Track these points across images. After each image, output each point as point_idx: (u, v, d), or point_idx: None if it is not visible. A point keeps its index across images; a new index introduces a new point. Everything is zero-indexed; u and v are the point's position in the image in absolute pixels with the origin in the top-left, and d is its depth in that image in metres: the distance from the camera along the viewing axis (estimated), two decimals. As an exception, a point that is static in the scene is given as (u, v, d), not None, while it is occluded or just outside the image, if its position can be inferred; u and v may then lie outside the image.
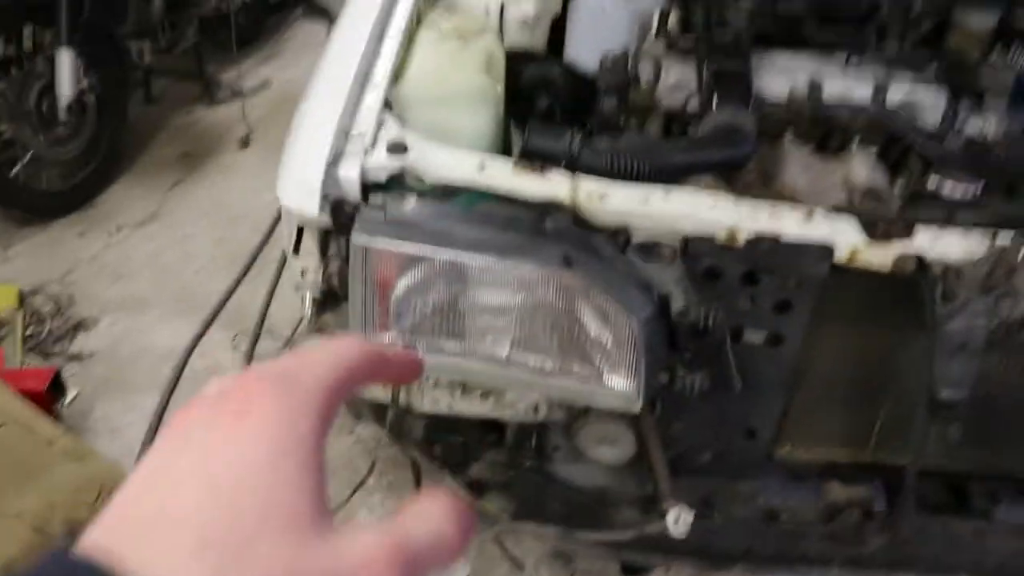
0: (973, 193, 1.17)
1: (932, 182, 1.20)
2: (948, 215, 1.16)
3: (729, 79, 1.34)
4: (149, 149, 3.86)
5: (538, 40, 1.78)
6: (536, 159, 1.20)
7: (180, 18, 3.81)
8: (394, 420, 1.35)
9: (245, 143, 3.87)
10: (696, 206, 1.13)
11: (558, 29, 1.83)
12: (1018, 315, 1.11)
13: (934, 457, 1.37)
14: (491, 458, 1.40)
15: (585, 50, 1.76)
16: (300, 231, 1.26)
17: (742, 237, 1.12)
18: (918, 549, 1.40)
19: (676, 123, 1.48)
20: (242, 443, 0.36)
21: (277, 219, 3.42)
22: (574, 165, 1.19)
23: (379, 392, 1.36)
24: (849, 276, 1.16)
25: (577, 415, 1.29)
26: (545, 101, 1.66)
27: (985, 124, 1.51)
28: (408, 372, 0.48)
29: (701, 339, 1.17)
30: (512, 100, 1.71)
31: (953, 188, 1.17)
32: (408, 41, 1.45)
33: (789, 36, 1.51)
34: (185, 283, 3.16)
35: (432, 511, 0.40)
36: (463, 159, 1.20)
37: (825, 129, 1.48)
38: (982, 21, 1.73)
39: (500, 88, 1.44)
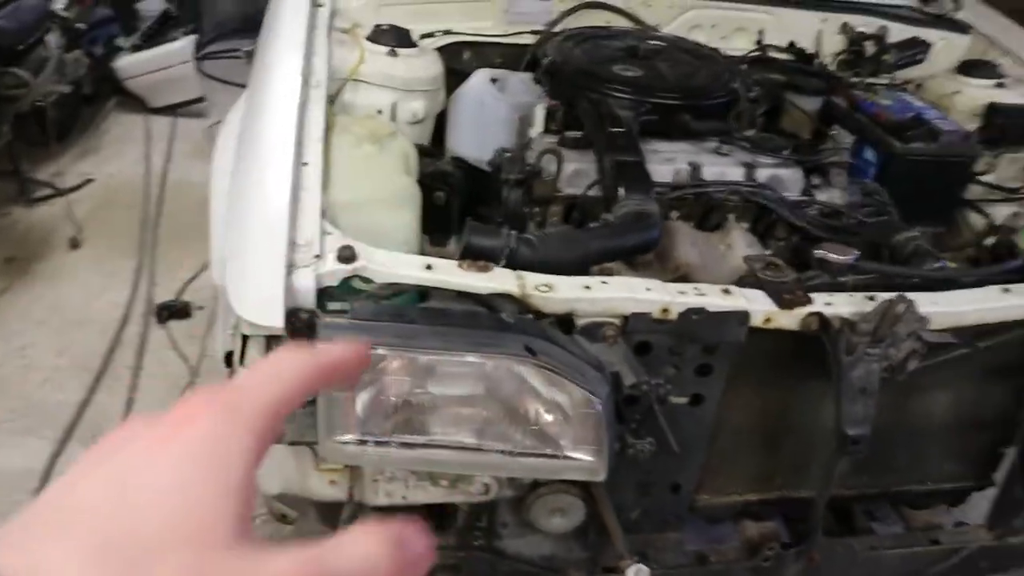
0: (853, 258, 1.37)
1: (819, 251, 1.39)
2: (835, 280, 1.36)
3: (630, 169, 1.49)
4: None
5: (426, 136, 1.89)
6: (477, 256, 1.29)
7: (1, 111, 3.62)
8: (348, 518, 1.38)
9: (75, 244, 3.70)
10: (634, 290, 1.26)
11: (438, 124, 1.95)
12: (901, 357, 1.31)
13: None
14: (440, 542, 1.45)
15: (467, 143, 1.89)
16: (245, 340, 1.28)
17: (675, 311, 1.26)
18: (827, 571, 1.57)
19: (576, 210, 1.62)
20: (165, 460, 0.36)
21: (123, 322, 3.32)
22: (512, 261, 1.30)
23: (330, 491, 1.39)
24: (756, 339, 1.33)
25: (528, 490, 1.37)
26: (441, 195, 1.76)
27: (831, 195, 1.75)
28: (355, 368, 0.46)
29: (640, 409, 1.30)
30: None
31: (837, 257, 1.37)
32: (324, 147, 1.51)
33: (666, 127, 1.70)
34: (29, 397, 2.98)
35: (362, 539, 0.38)
36: (410, 260, 1.28)
37: (705, 208, 1.67)
38: (809, 104, 2.01)
39: (417, 189, 1.53)
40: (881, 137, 1.88)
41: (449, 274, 1.26)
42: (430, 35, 2.06)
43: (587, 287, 1.25)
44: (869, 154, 1.92)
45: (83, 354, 3.13)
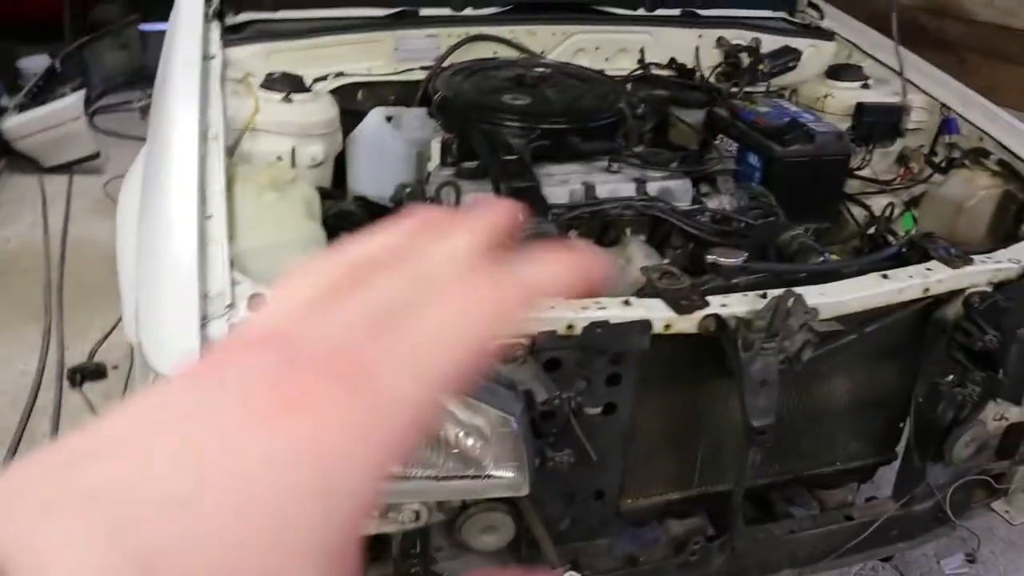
0: (743, 260, 1.46)
1: (710, 256, 1.47)
2: (728, 282, 1.44)
3: (526, 194, 1.56)
4: None
5: (327, 178, 1.93)
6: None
7: None
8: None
9: (-24, 312, 3.60)
10: (539, 309, 1.31)
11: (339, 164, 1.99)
12: (796, 349, 1.39)
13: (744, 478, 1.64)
14: (377, 574, 1.48)
15: (368, 182, 1.93)
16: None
17: (579, 327, 1.32)
18: (749, 558, 1.64)
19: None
20: (252, 452, 0.25)
21: (36, 390, 3.24)
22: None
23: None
24: (661, 345, 1.40)
25: (458, 511, 1.41)
26: (345, 235, 1.79)
27: (721, 201, 1.85)
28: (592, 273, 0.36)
29: (556, 423, 1.36)
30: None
31: (727, 260, 1.45)
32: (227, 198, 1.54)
33: (557, 150, 1.77)
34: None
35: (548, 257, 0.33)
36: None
37: (602, 225, 1.74)
38: (693, 117, 2.11)
39: (321, 229, 1.56)
40: (761, 142, 2.00)
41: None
42: (323, 78, 2.10)
43: (494, 311, 1.30)
44: (753, 159, 2.03)
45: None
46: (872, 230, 2.03)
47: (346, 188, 1.99)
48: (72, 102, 4.56)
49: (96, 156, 4.71)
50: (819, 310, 1.42)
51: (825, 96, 2.20)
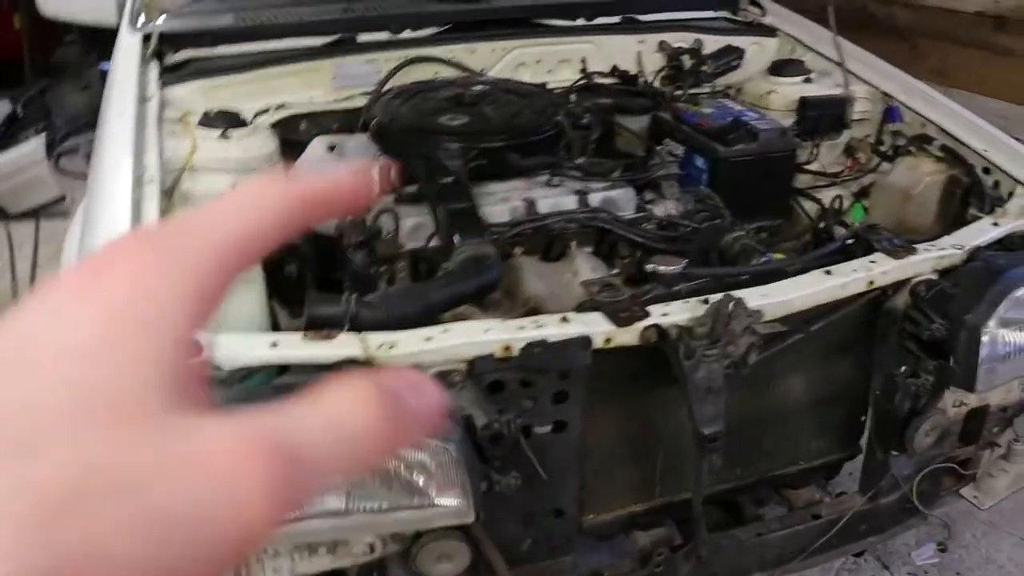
0: (682, 267, 1.45)
1: (649, 265, 1.46)
2: (669, 290, 1.43)
3: (463, 216, 1.55)
4: None
5: (273, 211, 1.91)
6: (321, 326, 1.32)
7: None
8: (238, 600, 1.37)
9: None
10: (473, 334, 1.30)
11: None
12: (741, 353, 1.38)
13: (706, 485, 1.62)
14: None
15: (318, 211, 1.91)
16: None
17: (516, 348, 1.31)
18: (716, 565, 1.63)
19: (422, 262, 1.66)
20: (75, 316, 0.28)
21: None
22: (357, 324, 1.33)
23: None
24: (608, 357, 1.39)
25: (412, 542, 1.39)
26: (293, 268, 1.78)
27: (666, 206, 1.84)
28: (352, 198, 0.37)
29: (501, 446, 1.34)
30: (263, 268, 1.82)
31: (666, 267, 1.44)
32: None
33: (497, 168, 1.76)
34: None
35: (337, 396, 0.30)
36: (255, 341, 1.30)
37: (547, 240, 1.73)
38: (638, 123, 2.11)
39: (258, 268, 1.55)
40: (706, 144, 1.99)
41: (294, 348, 1.28)
42: (264, 111, 2.09)
43: (428, 338, 1.29)
44: (699, 161, 2.03)
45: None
46: (821, 224, 2.03)
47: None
48: (34, 147, 4.55)
49: (62, 200, 4.69)
50: (762, 312, 1.41)
51: (768, 93, 2.19)
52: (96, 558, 0.24)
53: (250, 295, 1.46)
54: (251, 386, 1.27)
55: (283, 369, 1.28)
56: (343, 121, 2.13)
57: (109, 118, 1.82)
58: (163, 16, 2.12)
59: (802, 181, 2.18)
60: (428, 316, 1.39)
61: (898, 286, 1.57)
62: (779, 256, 1.66)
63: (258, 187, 0.34)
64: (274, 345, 1.28)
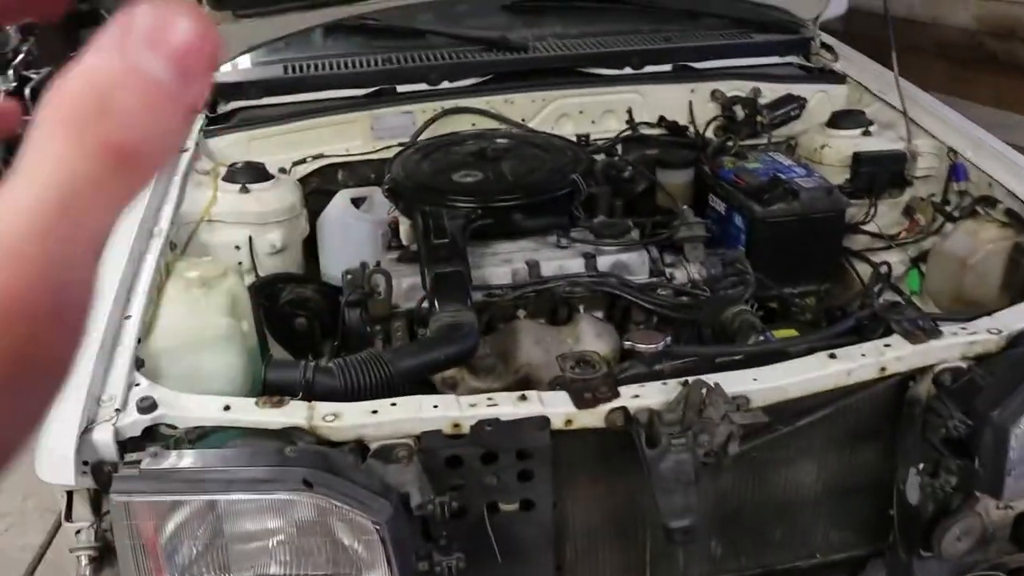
0: (663, 345, 1.35)
1: (627, 342, 1.37)
2: (650, 369, 1.33)
3: (447, 281, 1.50)
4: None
5: (291, 262, 1.93)
6: (277, 391, 1.31)
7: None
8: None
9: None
10: (420, 409, 1.25)
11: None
12: (720, 441, 1.27)
13: (705, 572, 1.51)
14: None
15: (334, 264, 1.92)
16: (70, 496, 1.30)
17: (466, 425, 1.25)
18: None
19: (418, 323, 1.62)
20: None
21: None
22: (311, 393, 1.30)
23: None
24: (592, 433, 1.30)
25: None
26: (303, 320, 1.78)
27: (689, 271, 1.73)
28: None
29: (457, 523, 1.28)
30: (274, 322, 1.83)
31: (645, 345, 1.35)
32: (157, 294, 1.55)
33: (504, 227, 1.71)
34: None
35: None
36: (209, 403, 1.29)
37: (551, 303, 1.66)
38: (679, 178, 2.01)
39: (247, 324, 1.55)
40: (743, 202, 1.87)
41: (245, 412, 1.27)
42: (302, 161, 2.12)
43: (374, 411, 1.25)
44: (738, 220, 1.91)
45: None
46: (878, 288, 1.86)
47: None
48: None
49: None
50: (747, 398, 1.29)
51: (822, 146, 2.05)
52: (130, 135, 0.31)
53: (227, 357, 1.46)
54: (207, 444, 1.26)
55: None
56: (379, 171, 2.13)
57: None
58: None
59: (858, 242, 2.01)
60: (389, 386, 1.34)
61: (924, 371, 1.41)
62: (787, 334, 1.52)
63: None
64: (226, 408, 1.28)
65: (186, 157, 1.95)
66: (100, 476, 1.23)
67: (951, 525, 1.46)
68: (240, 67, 2.30)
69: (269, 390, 1.32)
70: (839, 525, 1.58)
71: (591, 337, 1.61)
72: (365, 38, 2.32)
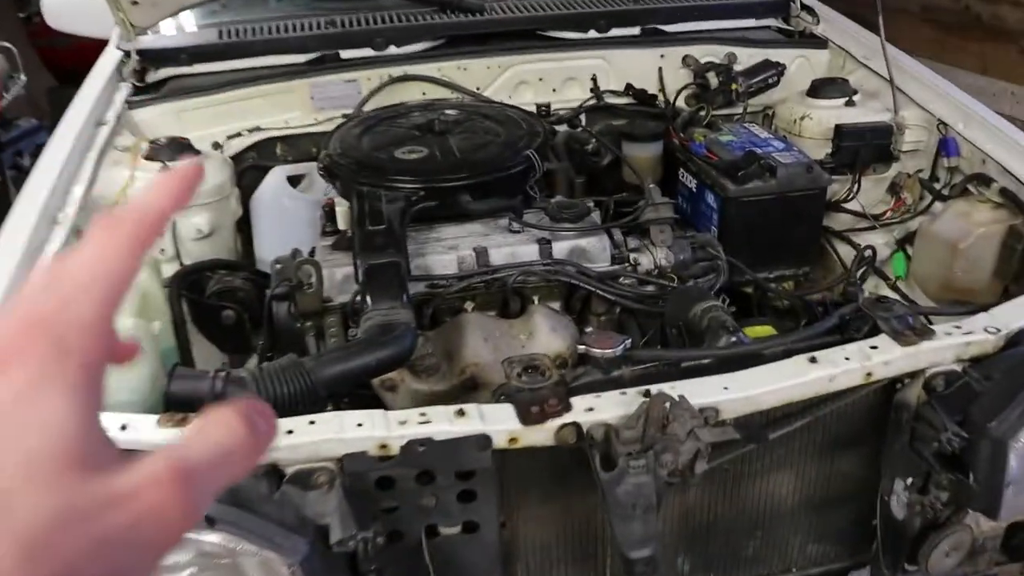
0: (622, 349, 1.19)
1: (580, 345, 1.21)
2: (607, 376, 1.18)
3: (381, 273, 1.33)
4: None
5: (221, 248, 1.75)
6: (181, 406, 1.14)
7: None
8: None
9: None
10: (342, 428, 1.09)
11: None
12: (684, 461, 1.12)
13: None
14: None
15: (269, 248, 1.75)
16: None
17: (395, 446, 1.09)
18: None
19: (352, 319, 1.46)
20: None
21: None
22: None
23: None
24: (530, 450, 1.15)
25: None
26: (231, 313, 1.62)
27: (656, 256, 1.57)
28: (177, 199, 0.45)
29: (391, 549, 1.13)
30: (201, 316, 1.67)
31: (601, 349, 1.19)
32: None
33: (450, 210, 1.54)
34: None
35: (212, 423, 0.40)
36: (106, 422, 1.13)
37: (502, 294, 1.50)
38: (647, 151, 1.84)
39: (159, 324, 1.38)
40: (715, 179, 1.71)
41: (145, 432, 1.11)
42: (237, 135, 1.93)
43: (289, 431, 1.09)
44: (710, 198, 1.75)
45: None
46: (861, 271, 1.72)
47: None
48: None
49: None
50: (717, 410, 1.14)
51: (802, 117, 1.88)
52: None
53: (131, 368, 1.29)
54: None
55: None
56: (322, 145, 1.95)
57: (50, 144, 1.69)
58: (140, 33, 1.98)
59: (841, 222, 1.86)
60: (312, 398, 1.18)
61: (915, 375, 1.27)
62: (762, 332, 1.37)
63: (105, 238, 0.41)
64: (123, 428, 1.11)
65: (104, 131, 1.76)
66: None
67: (940, 541, 1.32)
68: (170, 32, 2.10)
69: (173, 404, 1.16)
70: (817, 537, 1.45)
71: (546, 332, 1.46)
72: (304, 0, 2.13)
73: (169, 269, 1.65)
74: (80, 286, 0.39)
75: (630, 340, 1.21)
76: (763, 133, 1.86)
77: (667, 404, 1.10)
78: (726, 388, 1.17)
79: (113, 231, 0.41)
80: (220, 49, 2.01)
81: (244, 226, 1.86)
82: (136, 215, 0.42)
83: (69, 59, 5.22)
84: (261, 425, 0.41)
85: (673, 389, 1.16)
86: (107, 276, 0.40)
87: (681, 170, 1.85)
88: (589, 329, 1.33)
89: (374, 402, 1.43)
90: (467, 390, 1.41)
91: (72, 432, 0.36)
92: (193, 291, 1.66)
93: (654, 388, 1.15)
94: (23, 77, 4.24)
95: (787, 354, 1.24)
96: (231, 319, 1.63)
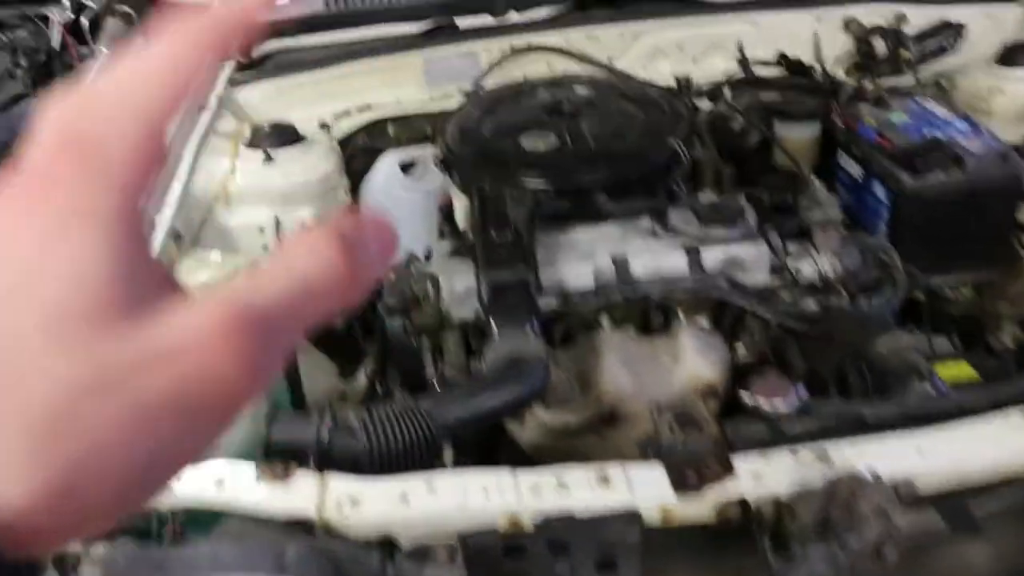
0: (797, 402, 0.99)
1: (745, 395, 1.02)
2: (772, 435, 0.99)
3: (507, 293, 1.16)
4: None
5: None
6: (282, 456, 1.01)
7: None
8: None
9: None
10: (466, 494, 0.94)
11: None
12: (870, 543, 0.92)
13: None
14: None
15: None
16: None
17: (527, 521, 0.93)
18: None
19: (474, 338, 1.30)
20: (24, 238, 0.29)
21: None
22: (327, 458, 1.00)
23: None
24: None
25: None
26: (341, 322, 1.49)
27: (821, 264, 1.35)
28: (238, 31, 0.34)
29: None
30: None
31: (771, 400, 0.99)
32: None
33: (585, 211, 1.35)
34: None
35: (296, 250, 0.31)
36: (200, 474, 1.01)
37: (643, 309, 1.31)
38: (802, 132, 1.62)
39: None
40: (887, 170, 1.47)
41: (243, 490, 0.98)
42: (346, 114, 1.78)
43: (405, 498, 0.94)
44: (879, 191, 1.51)
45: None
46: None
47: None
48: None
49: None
50: (913, 483, 0.94)
51: (991, 92, 1.61)
52: (99, 457, 0.27)
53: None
54: (196, 528, 0.98)
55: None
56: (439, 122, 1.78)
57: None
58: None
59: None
60: (429, 449, 1.03)
61: None
62: (958, 373, 1.14)
63: (152, 66, 0.32)
64: (220, 483, 0.99)
65: (206, 117, 1.63)
66: (62, 569, 0.97)
67: None
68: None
69: (275, 452, 1.02)
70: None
71: (693, 355, 1.27)
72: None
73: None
74: (128, 95, 0.31)
75: (803, 387, 1.01)
76: (941, 111, 1.59)
77: (857, 484, 0.90)
78: (922, 452, 0.97)
79: (176, 32, 0.33)
80: (326, 19, 1.85)
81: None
82: (209, 19, 0.33)
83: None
84: (367, 249, 0.32)
85: (856, 450, 0.97)
86: (162, 77, 0.32)
87: (842, 153, 1.61)
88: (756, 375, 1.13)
89: (495, 429, 1.29)
90: (604, 423, 1.24)
91: (107, 276, 0.29)
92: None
93: (833, 450, 0.96)
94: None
95: (996, 406, 1.02)
96: (341, 329, 1.49)
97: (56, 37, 3.70)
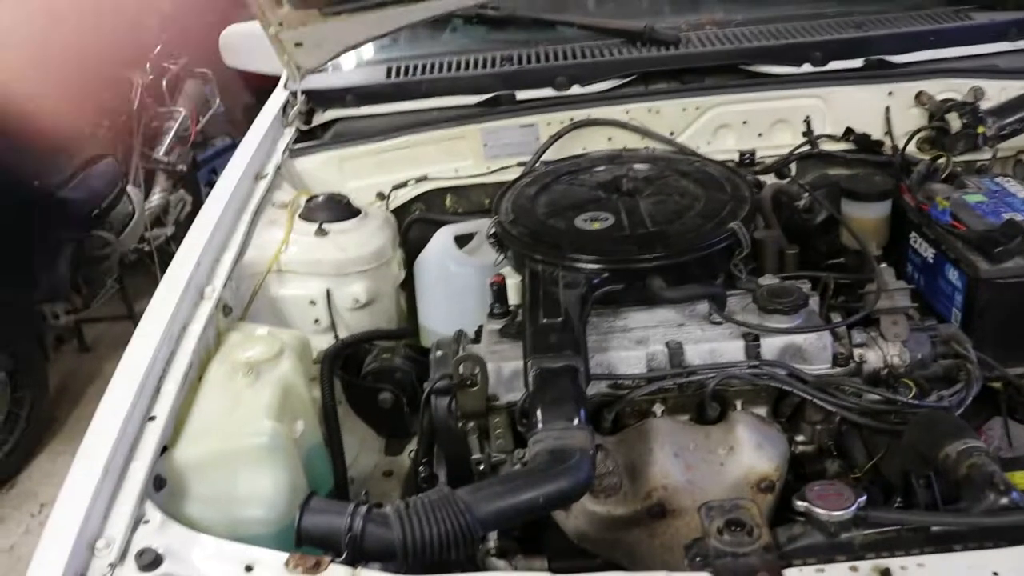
0: (854, 509, 0.93)
1: (800, 502, 0.95)
2: (828, 545, 0.92)
3: (554, 382, 1.12)
4: (81, 405, 3.63)
5: (381, 316, 1.60)
6: (316, 545, 0.98)
7: (94, 272, 3.64)
8: None
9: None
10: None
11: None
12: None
13: None
14: None
15: (436, 318, 1.58)
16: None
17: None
18: None
19: (522, 422, 1.25)
20: None
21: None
22: (360, 550, 0.96)
23: None
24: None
25: None
26: (388, 397, 1.46)
27: (888, 353, 1.28)
28: None
29: None
30: (356, 397, 1.53)
31: (828, 510, 0.93)
32: (199, 376, 1.26)
33: (639, 295, 1.31)
34: None
35: None
36: (230, 557, 0.99)
37: (698, 397, 1.26)
38: (870, 212, 1.56)
39: (302, 423, 1.24)
40: (962, 254, 1.40)
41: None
42: (403, 185, 1.78)
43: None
44: (953, 275, 1.44)
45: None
46: None
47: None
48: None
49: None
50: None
51: (1079, 171, 1.53)
52: None
53: (271, 474, 1.16)
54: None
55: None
56: (495, 196, 1.77)
57: (209, 201, 1.59)
58: (308, 74, 1.85)
59: None
60: (465, 542, 0.99)
61: None
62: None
63: None
64: (248, 569, 0.96)
65: (262, 185, 1.65)
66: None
67: None
68: (338, 70, 1.98)
69: (306, 540, 0.99)
70: None
71: (750, 448, 1.21)
72: (481, 32, 1.96)
73: (324, 341, 1.51)
74: None
75: (865, 497, 0.94)
76: (1021, 190, 1.52)
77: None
78: (998, 574, 0.89)
79: None
80: (388, 90, 1.86)
81: (410, 282, 1.70)
82: None
83: (267, 78, 5.35)
84: None
85: (922, 568, 0.89)
86: None
87: (914, 234, 1.54)
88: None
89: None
90: (653, 517, 1.18)
91: None
92: (348, 366, 1.52)
93: (896, 566, 0.89)
94: (219, 102, 4.34)
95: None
96: (388, 403, 1.47)
97: (136, 98, 3.85)
